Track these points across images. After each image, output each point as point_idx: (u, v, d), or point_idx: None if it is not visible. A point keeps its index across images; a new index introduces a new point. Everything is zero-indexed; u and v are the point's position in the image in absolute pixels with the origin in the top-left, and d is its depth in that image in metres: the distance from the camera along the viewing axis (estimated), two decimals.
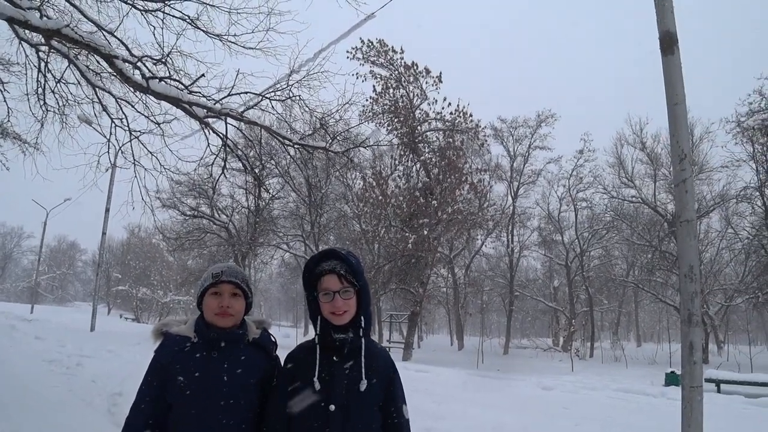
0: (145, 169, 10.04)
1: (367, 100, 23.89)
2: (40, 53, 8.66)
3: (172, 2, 7.65)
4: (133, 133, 9.72)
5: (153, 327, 2.38)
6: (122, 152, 10.18)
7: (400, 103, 23.97)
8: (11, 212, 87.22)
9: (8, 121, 12.63)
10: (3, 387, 8.72)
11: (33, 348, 14.75)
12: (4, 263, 78.89)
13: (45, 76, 8.93)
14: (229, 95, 7.93)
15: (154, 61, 7.28)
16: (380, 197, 23.23)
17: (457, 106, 23.84)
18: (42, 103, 9.45)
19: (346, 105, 8.62)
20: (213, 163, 8.95)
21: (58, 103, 9.99)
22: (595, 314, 36.53)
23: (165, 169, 10.13)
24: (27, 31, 7.84)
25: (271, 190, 29.46)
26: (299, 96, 8.40)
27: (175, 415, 2.17)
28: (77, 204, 26.52)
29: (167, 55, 7.42)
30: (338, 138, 9.50)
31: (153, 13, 7.74)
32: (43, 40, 7.51)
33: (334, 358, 2.12)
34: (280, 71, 8.95)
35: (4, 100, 10.46)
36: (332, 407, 2.05)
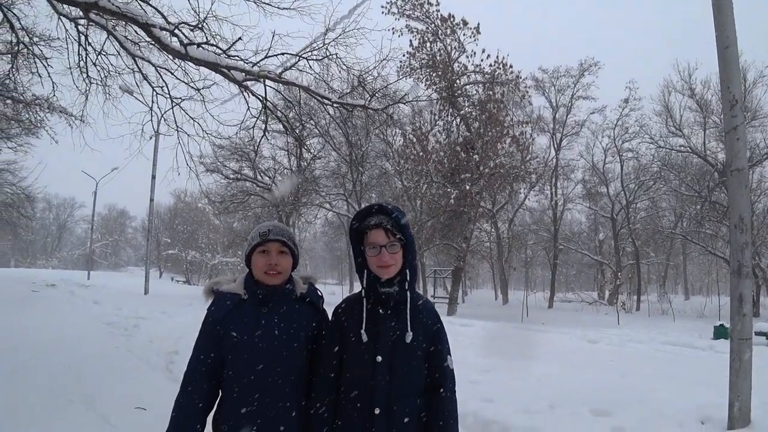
0: (188, 135, 10.24)
1: (404, 55, 23.59)
2: (79, 27, 8.79)
3: None
4: (174, 100, 9.90)
5: (204, 286, 2.44)
6: (165, 120, 10.40)
7: (438, 57, 23.47)
8: (63, 184, 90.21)
9: (54, 95, 12.95)
10: (70, 348, 9.23)
11: (92, 312, 15.41)
12: (59, 233, 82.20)
13: (86, 49, 9.09)
14: (266, 57, 7.96)
15: (191, 28, 7.32)
16: (421, 153, 23.07)
17: (497, 57, 23.22)
18: (85, 75, 9.64)
19: (383, 61, 8.53)
20: (254, 126, 9.06)
21: (100, 74, 10.18)
22: (641, 267, 35.96)
23: (207, 134, 10.29)
24: (65, 6, 7.97)
25: (311, 150, 29.67)
26: (336, 54, 8.35)
27: (229, 368, 2.25)
28: (124, 172, 27.27)
29: (203, 21, 7.45)
30: (377, 95, 9.42)
31: None
32: (81, 14, 7.60)
33: (380, 310, 2.17)
34: (316, 30, 8.86)
35: (49, 76, 10.73)
36: (379, 358, 2.11)
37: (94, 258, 60.39)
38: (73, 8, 7.72)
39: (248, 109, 9.40)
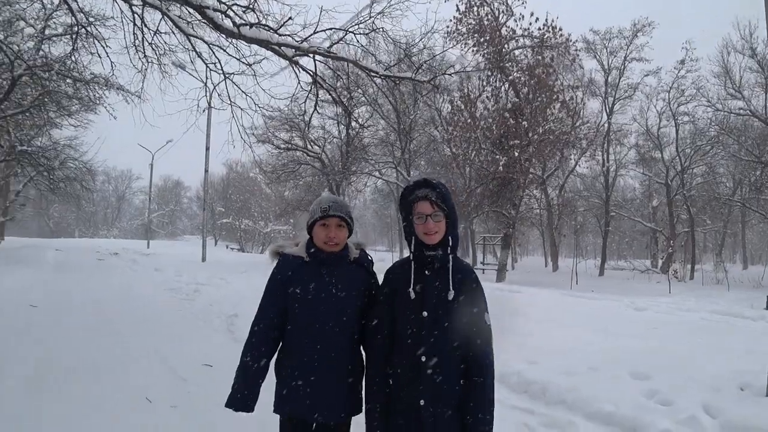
0: (241, 108, 10.67)
1: (450, 20, 23.37)
2: (133, 8, 9.20)
3: None
4: (227, 75, 10.29)
5: (270, 248, 2.80)
6: (218, 94, 10.83)
7: (485, 22, 23.12)
8: (120, 157, 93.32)
9: (112, 74, 13.52)
10: (138, 310, 9.93)
11: (154, 279, 16.27)
12: (118, 204, 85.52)
13: (141, 29, 9.51)
14: (314, 32, 8.21)
15: (243, 9, 7.61)
16: (469, 120, 22.98)
17: (546, 20, 22.70)
18: (142, 55, 10.10)
19: (428, 34, 8.66)
20: (305, 100, 9.37)
21: (156, 53, 10.65)
22: (697, 235, 34.98)
23: (258, 107, 10.69)
24: None
25: (360, 119, 29.85)
26: (382, 28, 8.52)
27: (291, 320, 2.61)
28: (179, 144, 28.13)
29: (254, 1, 7.71)
30: (423, 67, 9.56)
31: None
32: None
33: (426, 272, 2.45)
34: (362, 3, 9.04)
35: (107, 56, 11.27)
36: (425, 313, 2.39)
37: (152, 227, 62.57)
38: None
39: (299, 82, 9.74)
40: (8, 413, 4.28)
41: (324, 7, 7.95)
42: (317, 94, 8.94)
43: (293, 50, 7.89)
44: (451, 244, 2.47)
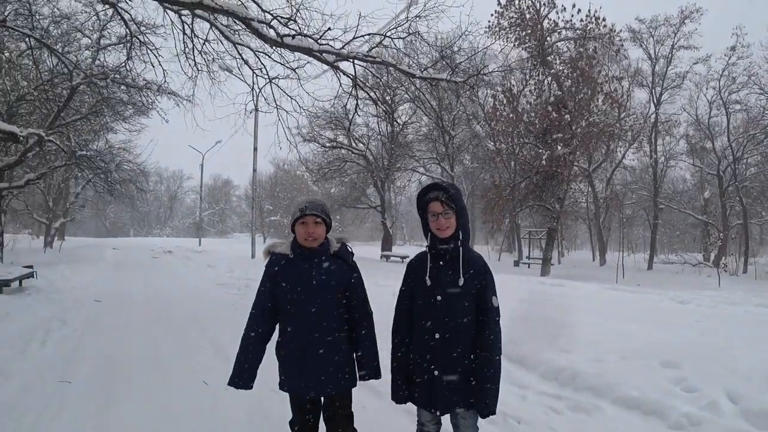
0: (286, 111, 11.16)
1: (491, 15, 23.41)
2: (183, 18, 9.76)
3: None
4: (272, 80, 10.78)
5: (263, 247, 3.20)
6: (264, 98, 11.35)
7: (527, 15, 23.09)
8: (172, 158, 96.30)
9: (164, 81, 14.20)
10: (193, 304, 10.54)
11: (207, 275, 16.98)
12: (171, 203, 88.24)
13: (191, 39, 10.08)
14: (354, 38, 8.59)
15: (285, 20, 8.04)
16: (511, 114, 23.03)
17: (588, 11, 22.53)
18: (192, 63, 10.69)
19: (462, 35, 8.90)
20: (347, 102, 9.78)
21: (205, 60, 11.24)
22: (752, 227, 33.99)
23: (303, 109, 11.16)
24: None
25: (403, 116, 30.15)
26: (417, 32, 8.83)
27: (282, 309, 3.00)
28: (228, 145, 29.04)
29: (295, 14, 8.14)
30: (458, 68, 9.83)
31: None
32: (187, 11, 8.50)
33: (440, 262, 2.84)
34: (398, 8, 9.36)
35: (159, 64, 11.93)
36: (439, 297, 2.80)
37: (203, 226, 64.44)
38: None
39: (340, 84, 10.16)
40: (86, 395, 4.80)
41: (362, 14, 8.31)
42: (357, 95, 9.32)
43: (334, 56, 8.30)
44: (461, 237, 2.83)
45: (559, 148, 21.29)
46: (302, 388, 2.98)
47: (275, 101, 11.07)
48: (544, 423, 4.34)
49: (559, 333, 7.10)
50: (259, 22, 7.58)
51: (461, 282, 2.78)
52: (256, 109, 12.50)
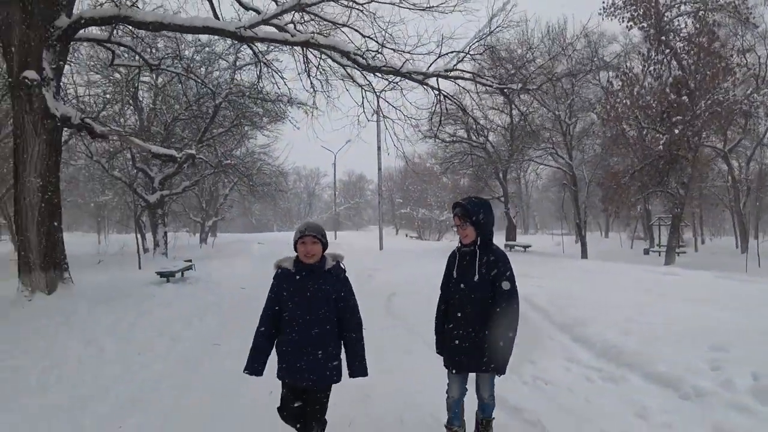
0: (393, 120, 12.50)
1: None
2: (295, 48, 11.41)
3: None
4: (378, 94, 12.13)
5: (274, 263, 3.68)
6: (372, 109, 12.79)
7: None
8: (308, 158, 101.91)
9: (289, 97, 16.15)
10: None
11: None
12: (309, 199, 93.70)
13: (306, 65, 11.71)
14: (439, 57, 9.72)
15: (373, 53, 9.36)
16: (625, 100, 22.54)
17: None
18: (310, 84, 12.34)
19: (530, 49, 9.59)
20: (437, 109, 10.91)
21: (321, 79, 12.85)
22: None
23: (407, 117, 12.44)
24: None
25: (521, 106, 30.37)
26: (493, 47, 9.77)
27: (282, 315, 3.56)
28: (358, 143, 31.10)
29: (382, 47, 9.43)
30: (530, 80, 10.57)
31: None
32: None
33: (464, 261, 3.78)
34: (478, 24, 10.26)
35: (284, 83, 13.75)
36: (462, 285, 3.75)
37: (339, 219, 67.94)
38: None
39: (436, 95, 11.31)
40: (231, 353, 6.34)
41: (437, 29, 9.44)
42: (445, 107, 10.43)
43: (421, 76, 9.47)
44: (479, 243, 3.71)
45: (677, 131, 20.58)
46: (297, 379, 3.50)
47: (380, 111, 12.52)
48: (570, 386, 5.22)
49: (630, 316, 7.71)
50: (355, 54, 8.96)
51: (476, 278, 3.65)
52: (377, 113, 13.89)
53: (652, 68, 23.04)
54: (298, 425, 3.66)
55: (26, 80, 9.02)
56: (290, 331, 3.49)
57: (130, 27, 11.27)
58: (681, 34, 22.43)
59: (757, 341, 6.11)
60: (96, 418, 4.64)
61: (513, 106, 23.49)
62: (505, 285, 3.62)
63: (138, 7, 10.83)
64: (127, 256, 21.46)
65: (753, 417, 4.31)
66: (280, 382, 3.64)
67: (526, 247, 28.98)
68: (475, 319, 3.65)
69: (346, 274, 3.71)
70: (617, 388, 5.22)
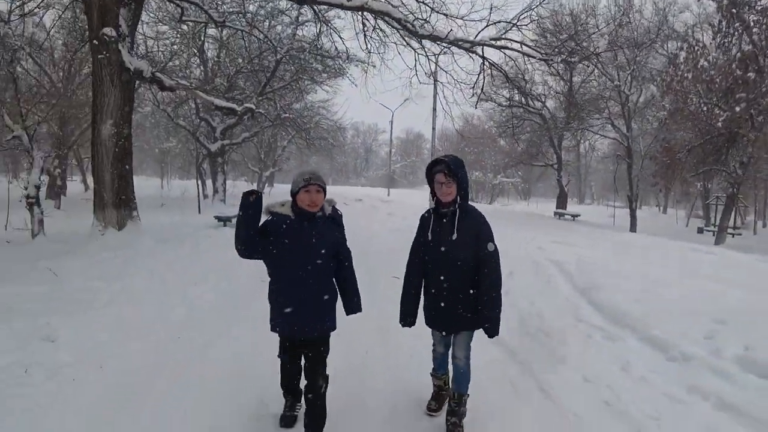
0: (443, 84, 12.95)
1: None
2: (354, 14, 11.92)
3: None
4: (429, 57, 12.58)
5: (264, 206, 3.42)
6: (425, 72, 13.23)
7: None
8: (365, 113, 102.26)
9: (347, 56, 16.72)
10: (375, 245, 12.83)
11: (385, 222, 19.35)
12: (366, 155, 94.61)
13: (364, 26, 12.23)
14: (487, 26, 10.08)
15: (421, 21, 9.81)
16: (689, 73, 21.99)
17: None
18: (366, 45, 12.87)
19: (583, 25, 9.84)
20: (482, 76, 11.31)
21: (376, 40, 13.34)
22: None
23: (457, 81, 12.87)
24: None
25: (581, 74, 29.86)
26: (541, 16, 10.05)
27: (278, 261, 3.43)
28: (418, 101, 31.43)
29: (432, 11, 9.86)
30: (575, 52, 10.78)
31: None
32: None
33: (443, 220, 3.67)
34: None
35: (342, 42, 14.32)
36: (442, 248, 3.63)
37: (394, 177, 68.69)
38: None
39: (482, 62, 11.69)
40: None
41: (494, 5, 9.77)
42: (490, 73, 10.83)
43: (468, 44, 9.88)
44: (458, 201, 3.60)
45: (739, 108, 20.02)
46: (294, 331, 3.46)
47: (434, 74, 12.97)
48: (568, 340, 5.79)
49: (646, 288, 8.12)
50: (405, 21, 9.45)
51: (455, 236, 3.55)
52: (434, 78, 14.31)
53: (720, 41, 22.34)
54: (295, 381, 3.80)
55: (105, 36, 9.92)
56: (290, 281, 3.41)
57: None
58: (756, 7, 21.55)
59: (762, 320, 6.36)
60: (158, 331, 5.56)
61: (569, 75, 23.19)
62: (490, 246, 3.59)
63: None
64: (188, 200, 22.82)
65: (732, 382, 4.70)
66: (277, 336, 3.64)
67: (575, 216, 28.95)
68: (461, 280, 3.62)
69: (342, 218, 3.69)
70: (612, 346, 5.77)
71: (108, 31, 9.92)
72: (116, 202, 10.40)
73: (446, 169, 3.54)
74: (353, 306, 3.70)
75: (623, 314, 6.69)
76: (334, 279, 3.60)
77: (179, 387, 4.29)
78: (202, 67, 24.84)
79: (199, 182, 24.54)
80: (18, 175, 38.32)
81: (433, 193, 3.71)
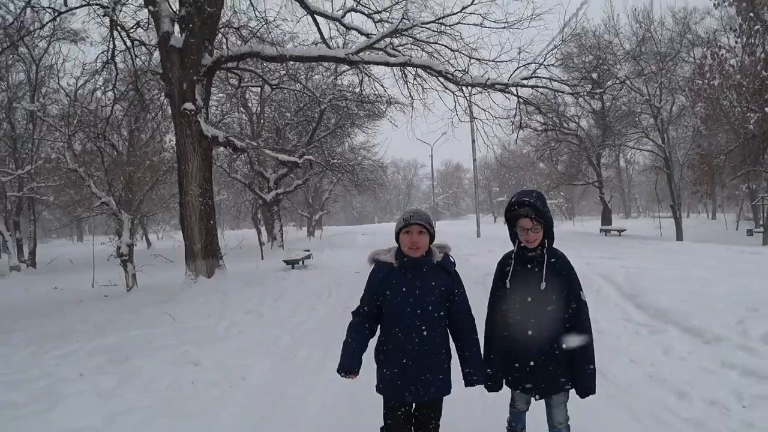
0: (481, 120, 14.15)
1: None
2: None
3: None
4: (468, 99, 13.81)
5: (368, 255, 3.23)
6: (462, 110, 14.47)
7: None
8: (404, 149, 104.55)
9: (387, 99, 18.12)
10: None
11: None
12: (408, 190, 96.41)
13: (404, 77, 13.58)
14: (517, 68, 11.33)
15: (462, 72, 11.10)
16: (714, 81, 22.46)
17: None
18: (408, 93, 14.23)
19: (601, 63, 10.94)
20: (517, 113, 12.53)
21: (416, 87, 14.66)
22: None
23: (494, 117, 14.05)
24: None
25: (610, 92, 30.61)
26: (567, 53, 11.20)
27: (385, 316, 3.12)
28: (456, 134, 32.79)
29: (470, 60, 11.16)
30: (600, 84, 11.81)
31: None
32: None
33: (528, 266, 3.15)
34: (552, 33, 11.73)
35: (383, 88, 15.67)
36: (529, 299, 3.10)
37: (438, 209, 69.74)
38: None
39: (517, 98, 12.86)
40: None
41: (521, 48, 11.03)
42: (523, 109, 11.98)
43: (502, 86, 11.12)
44: (546, 245, 3.14)
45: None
46: (402, 394, 3.06)
47: (471, 113, 14.22)
48: (618, 335, 6.78)
49: (690, 289, 8.94)
50: (446, 73, 10.78)
51: (543, 286, 3.05)
52: (471, 116, 15.42)
53: (745, 42, 22.77)
54: None
55: (186, 111, 11.52)
56: (394, 337, 3.08)
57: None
58: None
59: None
60: (275, 354, 6.80)
61: (599, 97, 23.79)
62: (582, 295, 3.19)
63: (265, 42, 13.07)
64: (246, 248, 24.39)
65: (755, 355, 5.60)
66: (383, 398, 3.21)
67: (620, 231, 29.42)
68: (551, 335, 3.11)
69: (456, 268, 3.23)
70: (656, 337, 6.70)
71: (188, 105, 11.51)
72: (205, 253, 11.82)
73: (533, 214, 3.07)
74: (476, 376, 3.17)
75: (666, 311, 7.58)
76: (449, 337, 3.20)
77: (311, 390, 5.41)
78: (248, 121, 26.80)
79: (256, 230, 26.21)
80: (94, 236, 40.44)
81: (513, 237, 3.28)
